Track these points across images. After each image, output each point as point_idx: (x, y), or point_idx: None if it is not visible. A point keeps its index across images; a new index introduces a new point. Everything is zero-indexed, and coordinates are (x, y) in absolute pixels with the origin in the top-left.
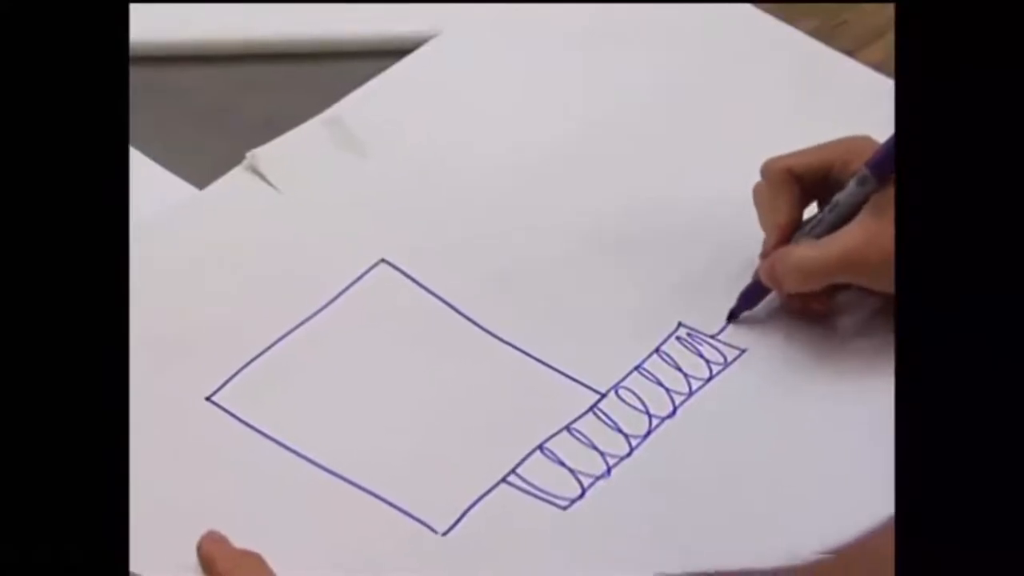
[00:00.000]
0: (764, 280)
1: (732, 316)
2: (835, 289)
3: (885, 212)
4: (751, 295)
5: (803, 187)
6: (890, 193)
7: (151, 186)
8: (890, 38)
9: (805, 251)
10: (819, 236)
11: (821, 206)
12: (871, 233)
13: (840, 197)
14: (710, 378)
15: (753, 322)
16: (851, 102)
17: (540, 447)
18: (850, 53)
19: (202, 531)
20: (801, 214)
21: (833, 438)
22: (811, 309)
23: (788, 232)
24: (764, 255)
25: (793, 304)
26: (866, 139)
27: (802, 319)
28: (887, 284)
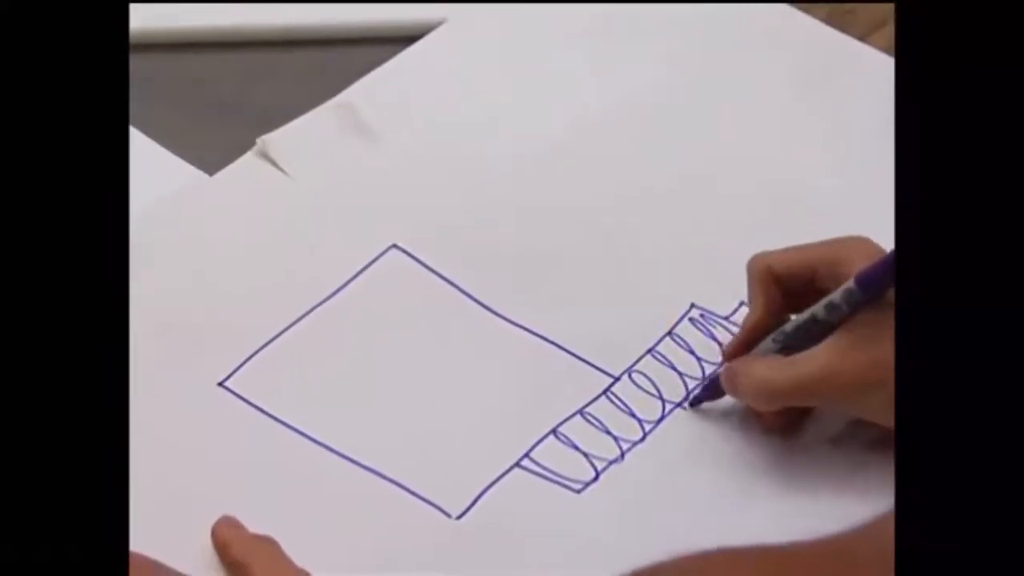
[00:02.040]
0: (724, 387)
1: (694, 403)
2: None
3: (860, 338)
4: (714, 389)
5: (785, 288)
6: (870, 317)
7: (163, 173)
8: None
9: (767, 371)
10: (787, 349)
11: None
12: (843, 360)
13: (818, 310)
14: (722, 363)
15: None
16: (865, 86)
17: (554, 431)
18: (861, 39)
19: (216, 516)
20: (774, 318)
21: (845, 421)
22: (767, 422)
23: (754, 336)
24: (725, 352)
25: (751, 411)
26: (860, 241)
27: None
28: (851, 411)
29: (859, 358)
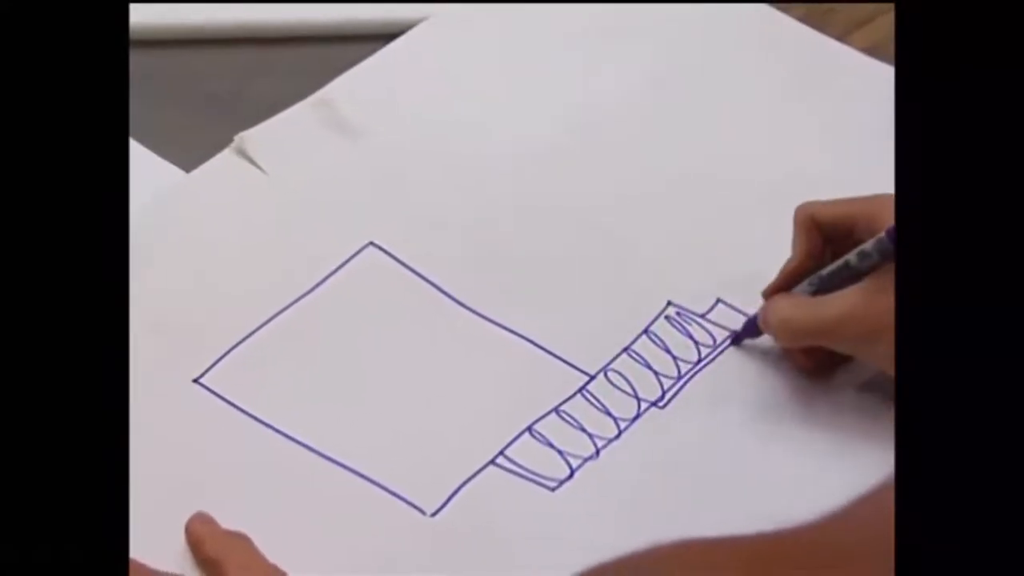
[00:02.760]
0: (760, 324)
1: (736, 341)
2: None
3: (886, 286)
4: (753, 327)
5: (826, 237)
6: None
7: (141, 171)
8: (877, 24)
9: (792, 309)
10: (820, 292)
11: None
12: (864, 305)
13: (851, 257)
14: (699, 361)
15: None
16: (847, 87)
17: (529, 429)
18: (839, 39)
19: (190, 513)
20: (813, 262)
21: (821, 421)
22: (797, 360)
23: (792, 278)
24: (764, 293)
25: (783, 351)
26: None
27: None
28: (872, 358)
29: (883, 302)
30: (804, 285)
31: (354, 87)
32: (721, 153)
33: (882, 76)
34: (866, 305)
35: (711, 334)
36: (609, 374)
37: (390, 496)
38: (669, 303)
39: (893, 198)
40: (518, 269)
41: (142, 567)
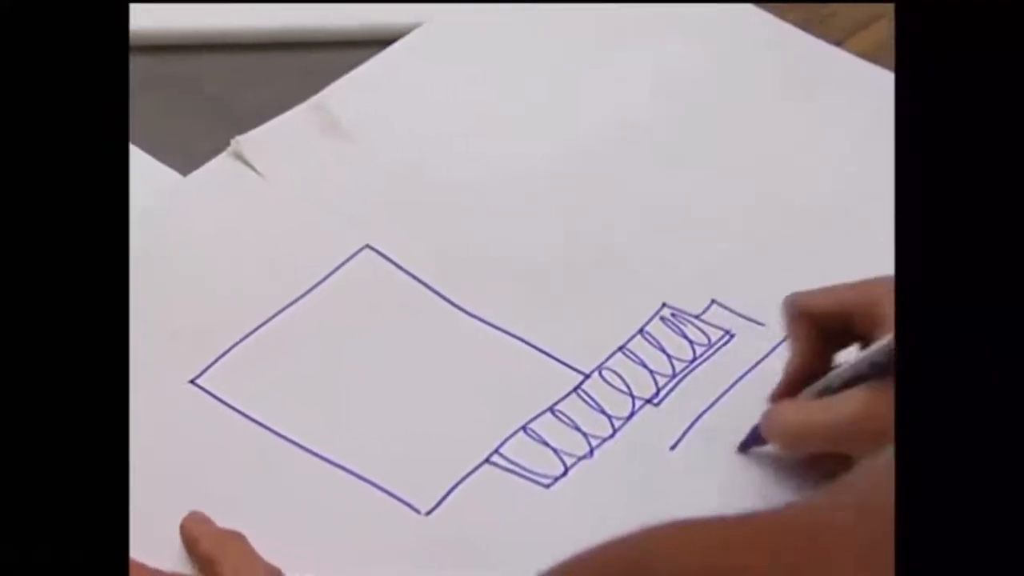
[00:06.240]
0: (762, 430)
1: (742, 448)
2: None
3: (887, 390)
4: (757, 435)
5: (822, 332)
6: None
7: (138, 174)
8: (875, 28)
9: (797, 414)
10: (822, 395)
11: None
12: (876, 402)
13: (861, 367)
14: (694, 360)
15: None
16: (844, 92)
17: (524, 428)
18: (837, 44)
19: (185, 512)
20: (816, 360)
21: None
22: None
23: (796, 380)
24: (769, 399)
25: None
26: (890, 280)
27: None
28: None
29: (886, 410)
30: (809, 391)
31: (350, 92)
32: (717, 156)
33: (877, 78)
34: (884, 403)
35: (706, 334)
36: (604, 372)
37: (385, 495)
38: (664, 304)
39: (886, 282)
40: (513, 270)
41: (141, 566)
